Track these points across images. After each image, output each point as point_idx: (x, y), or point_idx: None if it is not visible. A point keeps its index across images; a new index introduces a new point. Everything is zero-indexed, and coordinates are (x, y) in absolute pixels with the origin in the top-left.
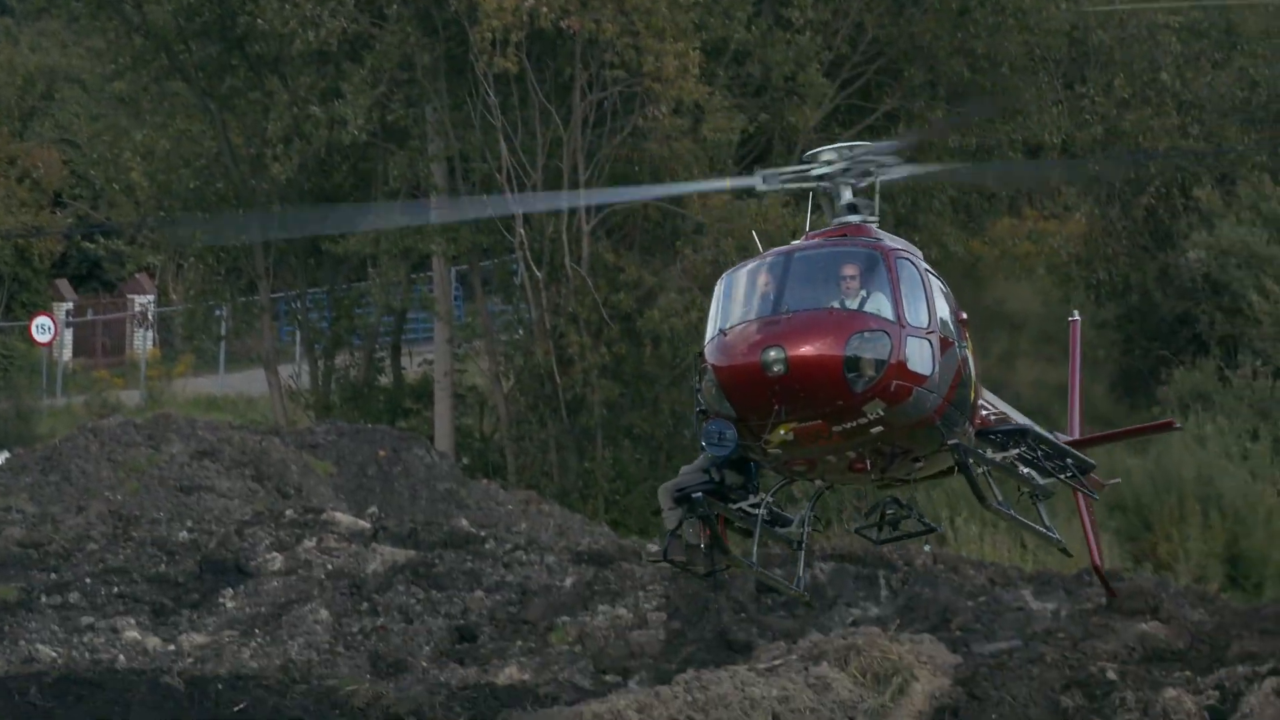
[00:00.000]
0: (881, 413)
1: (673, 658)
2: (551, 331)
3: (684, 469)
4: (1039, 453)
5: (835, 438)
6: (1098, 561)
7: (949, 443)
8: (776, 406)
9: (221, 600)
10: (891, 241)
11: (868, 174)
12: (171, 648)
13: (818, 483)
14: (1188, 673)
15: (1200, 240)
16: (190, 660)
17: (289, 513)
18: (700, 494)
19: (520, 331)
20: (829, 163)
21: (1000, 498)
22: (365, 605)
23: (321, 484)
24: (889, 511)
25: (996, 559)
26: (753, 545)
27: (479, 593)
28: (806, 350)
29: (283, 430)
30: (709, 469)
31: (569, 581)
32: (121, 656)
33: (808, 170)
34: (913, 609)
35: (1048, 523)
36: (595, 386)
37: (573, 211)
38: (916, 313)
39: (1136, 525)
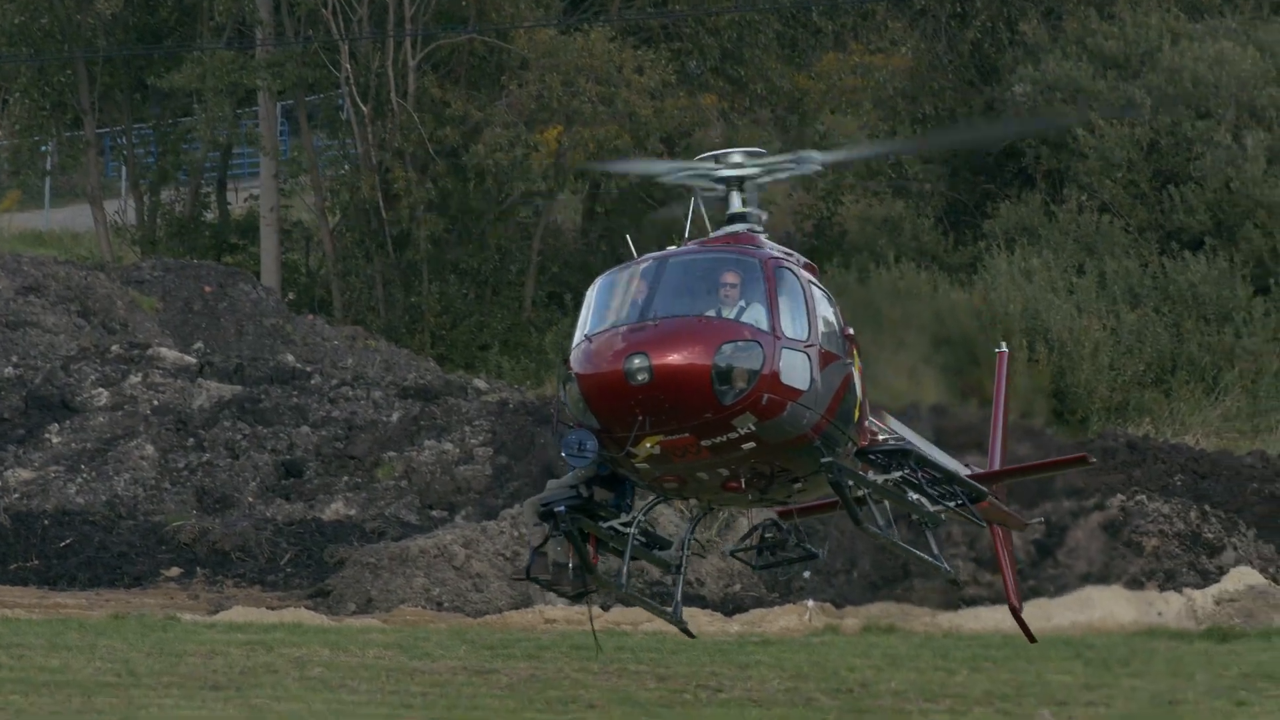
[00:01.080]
0: (753, 427)
1: (499, 493)
2: (378, 166)
3: (552, 483)
4: (922, 477)
5: (704, 453)
6: (1015, 604)
7: (823, 460)
8: (640, 417)
9: (47, 436)
10: (774, 250)
11: (760, 177)
12: None
13: (694, 505)
14: (1015, 505)
15: (1026, 75)
16: (16, 496)
17: (115, 348)
18: (565, 510)
19: (346, 167)
20: (738, 165)
21: (883, 521)
22: (191, 441)
23: (147, 319)
24: (768, 535)
25: None
26: (623, 566)
27: (305, 428)
28: (672, 358)
29: (108, 266)
30: (578, 484)
31: (395, 417)
32: None
33: (713, 169)
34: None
35: (935, 550)
36: (421, 221)
37: (399, 45)
38: (795, 324)
39: (963, 359)
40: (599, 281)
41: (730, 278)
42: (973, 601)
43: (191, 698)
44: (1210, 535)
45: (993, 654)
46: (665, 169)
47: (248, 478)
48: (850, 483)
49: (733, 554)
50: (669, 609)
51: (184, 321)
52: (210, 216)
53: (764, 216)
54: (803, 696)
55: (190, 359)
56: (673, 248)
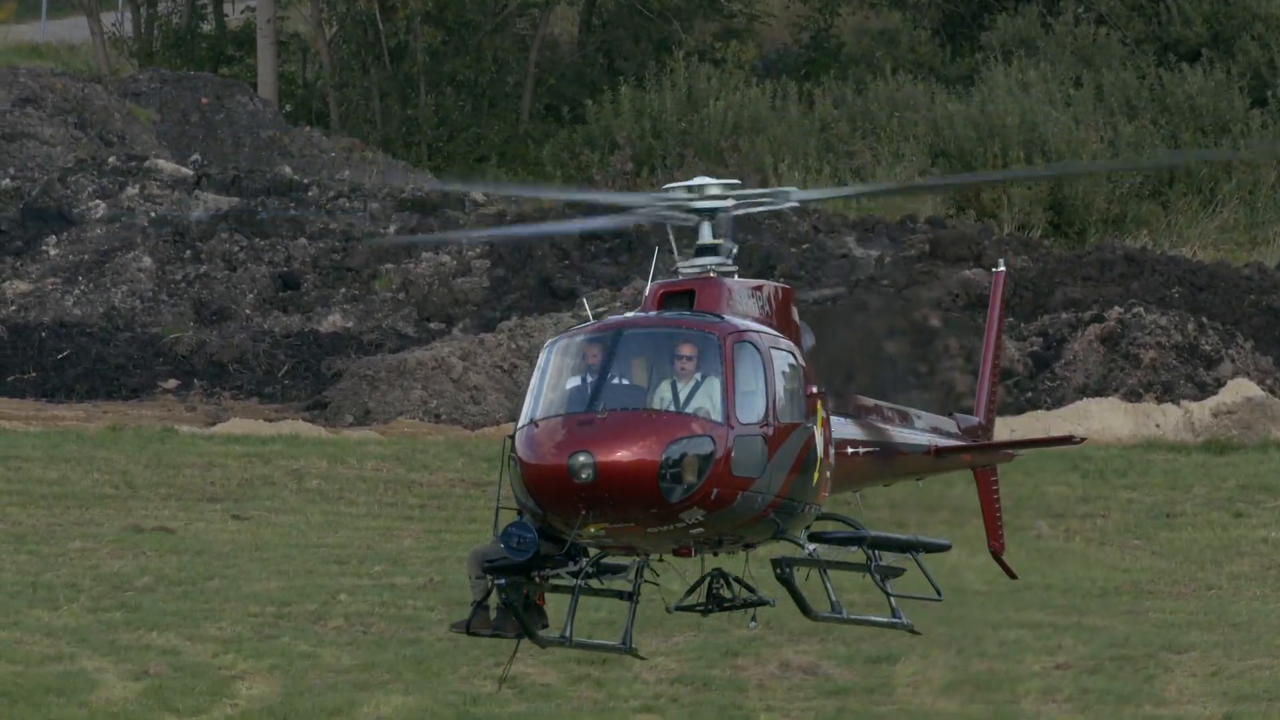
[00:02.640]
0: (701, 518)
1: (496, 305)
2: None
3: (495, 534)
4: (876, 557)
5: (651, 536)
6: (996, 546)
7: (773, 560)
8: (584, 511)
9: (44, 248)
10: (735, 316)
11: (728, 209)
12: None
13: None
14: (1010, 319)
15: None
16: (14, 308)
17: (112, 160)
18: (504, 583)
19: None
20: (717, 198)
21: (834, 598)
22: (189, 253)
23: (144, 131)
24: (715, 587)
25: (820, 208)
26: (567, 621)
27: (302, 240)
28: (617, 456)
29: (105, 78)
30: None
31: (392, 229)
32: None
33: (689, 200)
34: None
35: (893, 604)
36: (418, 33)
37: None
38: (750, 406)
39: (961, 172)
40: (551, 347)
41: (687, 354)
42: (965, 412)
43: (189, 510)
44: (1208, 347)
45: None
46: (640, 201)
47: (245, 290)
48: (798, 572)
49: (677, 609)
50: (618, 642)
51: (181, 133)
52: (207, 28)
53: (734, 249)
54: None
55: (187, 171)
56: (630, 314)
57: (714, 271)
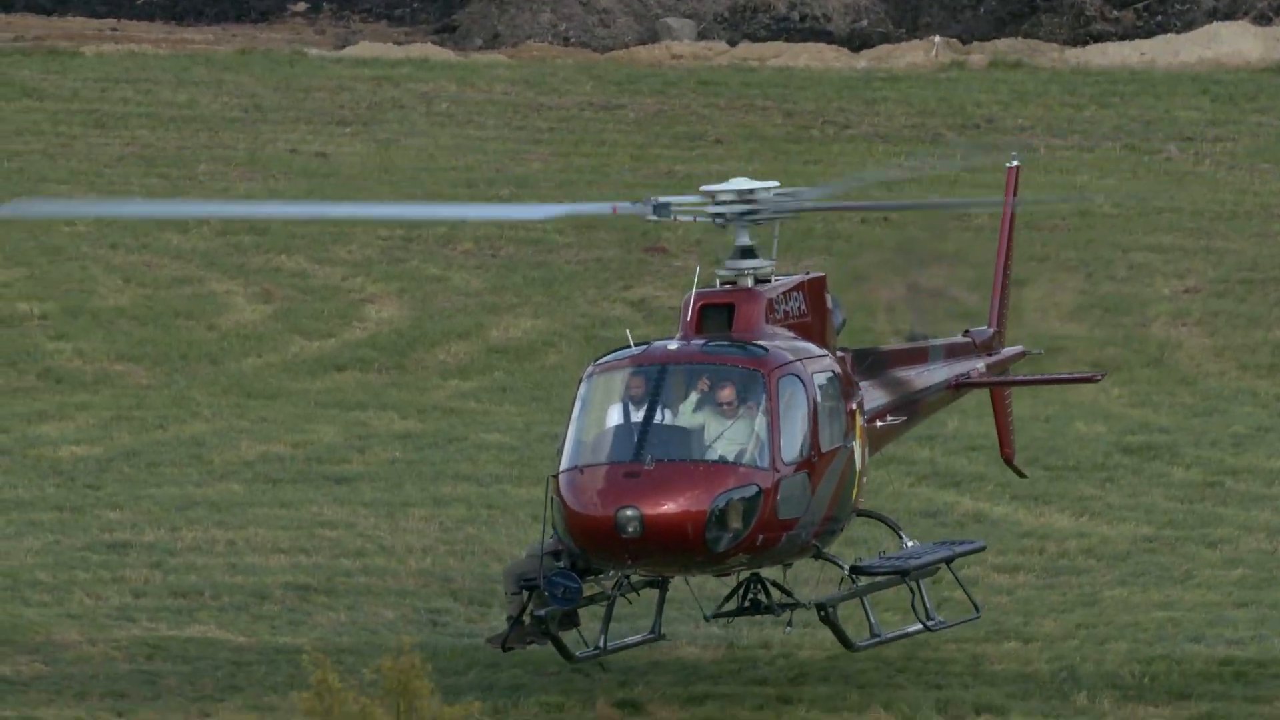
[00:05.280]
0: (745, 559)
1: None
2: None
3: (530, 549)
4: (919, 584)
5: (695, 573)
6: (1008, 453)
7: (814, 602)
8: (629, 561)
9: None
10: (777, 341)
11: (765, 215)
12: None
13: None
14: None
15: None
16: None
17: None
18: (545, 612)
19: None
20: (726, 203)
21: (873, 620)
22: None
23: None
24: (752, 591)
25: None
26: (602, 633)
27: None
28: (665, 510)
29: None
30: (557, 552)
31: None
32: None
33: (703, 205)
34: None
35: (928, 604)
36: None
37: None
38: (794, 442)
39: None
40: (591, 379)
41: (731, 394)
42: (1100, 37)
43: (319, 133)
44: None
45: (1120, 89)
46: (679, 201)
47: None
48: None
49: (714, 618)
50: (650, 634)
51: None
52: None
53: (772, 259)
54: (929, 132)
55: None
56: (671, 344)
57: (752, 274)
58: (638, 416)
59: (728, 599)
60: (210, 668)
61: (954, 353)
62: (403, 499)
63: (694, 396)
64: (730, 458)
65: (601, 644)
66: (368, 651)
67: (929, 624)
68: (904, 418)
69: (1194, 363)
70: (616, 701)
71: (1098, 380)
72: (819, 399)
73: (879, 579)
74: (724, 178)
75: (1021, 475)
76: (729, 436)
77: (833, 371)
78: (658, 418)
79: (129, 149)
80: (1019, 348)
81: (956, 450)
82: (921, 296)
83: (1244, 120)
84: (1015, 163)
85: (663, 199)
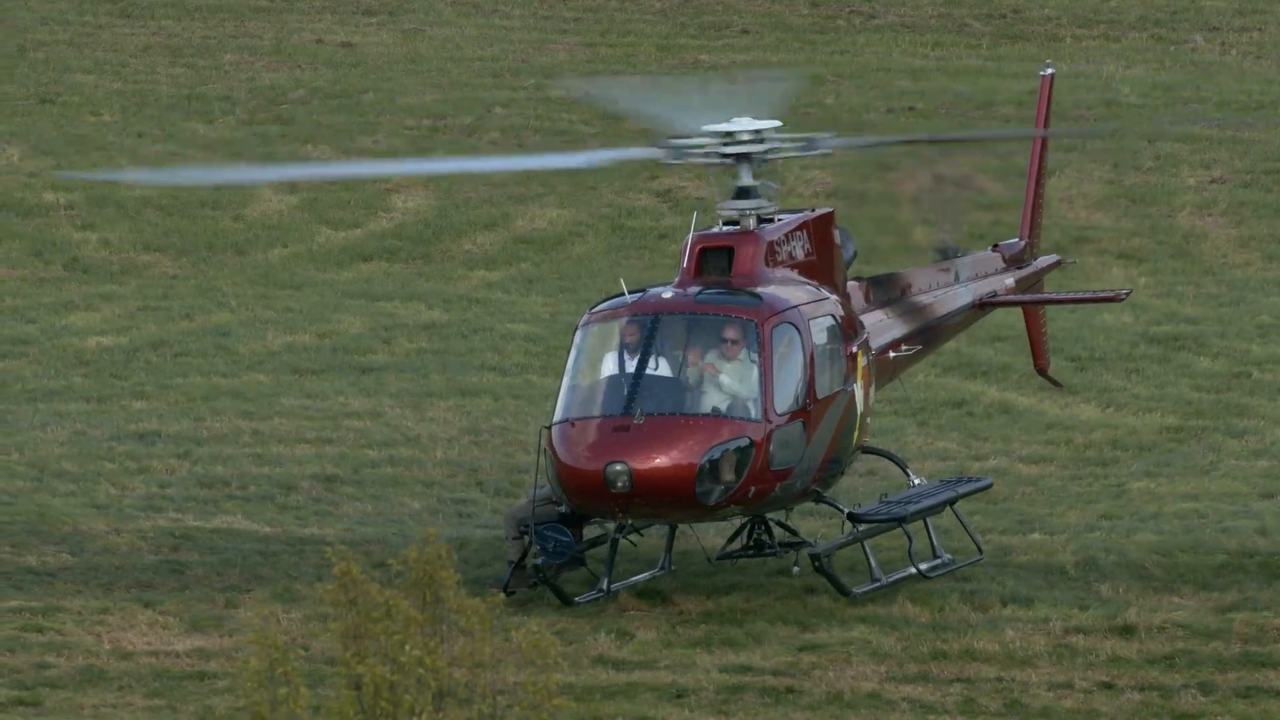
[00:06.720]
0: (739, 511)
1: None
2: None
3: (531, 492)
4: (927, 524)
5: (689, 522)
6: (1041, 364)
7: (808, 550)
8: (620, 514)
9: None
10: (774, 285)
11: (776, 155)
12: None
13: None
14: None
15: None
16: None
17: None
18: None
19: None
20: (744, 142)
21: (873, 562)
22: None
23: None
24: (756, 532)
25: None
26: (605, 574)
27: None
28: (655, 465)
29: None
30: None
31: None
32: None
33: (720, 146)
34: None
35: (935, 542)
36: None
37: None
38: (788, 390)
39: None
40: (586, 329)
41: (723, 345)
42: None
43: (344, 22)
44: None
45: None
46: (680, 142)
47: None
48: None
49: (719, 559)
50: (660, 569)
51: None
52: None
53: (774, 188)
54: (956, 22)
55: None
56: (666, 292)
57: (753, 215)
58: (629, 368)
59: (731, 539)
60: (237, 558)
61: (980, 269)
62: (428, 389)
63: (684, 349)
64: (721, 409)
65: (605, 586)
66: (394, 542)
67: (923, 569)
68: (921, 345)
69: (1219, 253)
70: (639, 591)
71: (1122, 299)
72: (815, 345)
73: (877, 523)
74: (750, 68)
75: (1057, 385)
76: (720, 388)
77: (832, 315)
78: (649, 369)
79: (155, 38)
80: (1053, 257)
81: (983, 340)
82: (948, 187)
83: (1270, 10)
84: (1049, 70)
85: (678, 140)
